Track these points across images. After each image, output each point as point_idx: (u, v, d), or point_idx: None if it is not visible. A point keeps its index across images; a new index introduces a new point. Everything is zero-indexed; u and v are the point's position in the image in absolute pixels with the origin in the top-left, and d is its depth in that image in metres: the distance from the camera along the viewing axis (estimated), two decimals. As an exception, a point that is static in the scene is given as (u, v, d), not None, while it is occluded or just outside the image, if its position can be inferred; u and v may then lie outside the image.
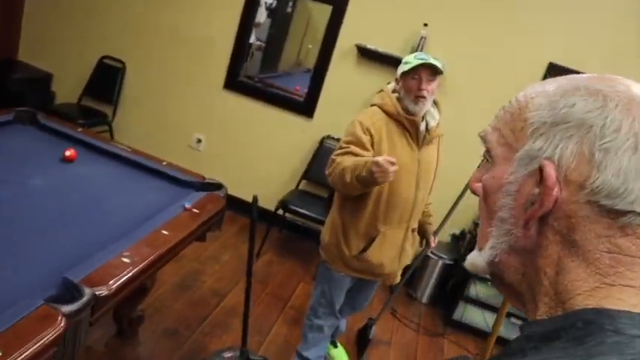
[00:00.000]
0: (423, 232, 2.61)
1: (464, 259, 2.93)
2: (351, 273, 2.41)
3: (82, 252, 1.61)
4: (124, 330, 2.56)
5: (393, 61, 3.65)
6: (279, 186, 4.07)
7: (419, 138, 2.27)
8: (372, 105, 2.34)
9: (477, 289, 3.51)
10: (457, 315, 3.61)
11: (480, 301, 3.54)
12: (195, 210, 2.18)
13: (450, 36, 3.65)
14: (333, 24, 3.82)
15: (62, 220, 1.87)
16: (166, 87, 4.20)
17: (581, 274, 0.56)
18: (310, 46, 4.21)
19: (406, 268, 2.60)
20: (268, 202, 4.14)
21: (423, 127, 2.26)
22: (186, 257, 3.21)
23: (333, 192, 3.74)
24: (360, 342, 3.07)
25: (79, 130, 2.72)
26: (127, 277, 1.57)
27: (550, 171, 0.58)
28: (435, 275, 3.81)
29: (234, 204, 3.28)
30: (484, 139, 0.68)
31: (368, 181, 2.01)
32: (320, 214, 3.64)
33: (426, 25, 3.60)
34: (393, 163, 1.93)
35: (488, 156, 0.67)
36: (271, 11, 4.26)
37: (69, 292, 1.37)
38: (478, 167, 0.70)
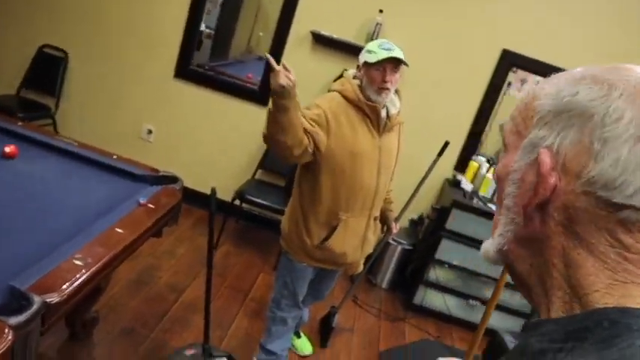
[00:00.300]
0: (384, 219, 2.60)
1: (423, 244, 2.98)
2: (314, 263, 2.37)
3: (30, 256, 1.50)
4: (78, 333, 2.44)
5: (348, 48, 3.62)
6: (235, 176, 3.98)
7: (380, 125, 2.24)
8: (332, 90, 2.30)
9: (436, 273, 3.55)
10: (417, 299, 3.65)
11: (440, 285, 3.59)
12: (150, 205, 2.09)
13: (405, 23, 3.64)
14: (287, 10, 3.74)
15: (5, 222, 1.74)
16: (113, 77, 4.02)
17: (590, 268, 0.55)
18: (261, 33, 4.11)
19: (369, 257, 2.58)
20: (224, 193, 4.05)
21: (383, 114, 2.23)
22: (141, 253, 3.09)
23: (292, 180, 3.70)
24: (324, 330, 3.05)
25: (20, 124, 2.56)
26: (80, 280, 1.47)
27: (545, 158, 0.56)
28: (394, 260, 3.83)
29: (189, 196, 3.18)
30: (502, 128, 0.67)
31: (275, 92, 1.88)
32: (277, 203, 3.60)
33: (381, 11, 3.57)
34: (286, 69, 1.86)
35: (503, 145, 0.66)
36: (221, -3, 4.13)
37: (16, 301, 1.27)
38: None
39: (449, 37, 3.64)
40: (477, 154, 3.86)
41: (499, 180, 0.65)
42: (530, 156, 0.59)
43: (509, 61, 3.63)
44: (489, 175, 3.69)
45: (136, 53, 3.94)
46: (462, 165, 3.85)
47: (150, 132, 4.02)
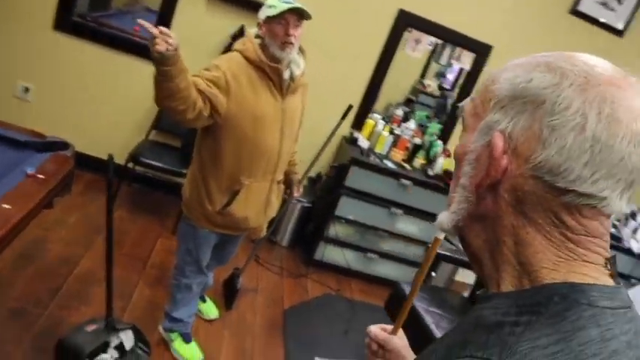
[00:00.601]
0: (288, 182, 2.61)
1: (322, 202, 3.06)
2: (216, 229, 2.33)
3: None
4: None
5: (246, 3, 3.49)
6: (126, 137, 3.75)
7: (282, 87, 2.20)
8: (233, 50, 2.21)
9: (336, 229, 3.66)
10: (318, 255, 3.74)
11: (340, 240, 3.71)
12: (40, 175, 1.91)
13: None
14: (177, -41, 3.49)
15: None
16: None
17: (538, 246, 0.59)
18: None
19: (272, 220, 2.59)
20: (116, 156, 3.82)
21: (287, 75, 2.19)
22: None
23: (188, 141, 3.57)
24: (228, 293, 3.04)
25: None
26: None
27: (498, 142, 0.60)
28: (293, 218, 3.89)
29: (77, 160, 2.95)
30: (462, 108, 0.69)
31: (155, 60, 1.79)
32: (173, 164, 3.47)
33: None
34: (163, 33, 1.75)
35: (462, 125, 0.68)
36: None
37: None
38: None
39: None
40: (373, 112, 3.96)
41: (457, 159, 0.68)
42: (485, 138, 0.62)
43: (405, 22, 3.71)
44: (385, 133, 3.82)
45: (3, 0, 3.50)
46: (358, 123, 3.93)
47: (27, 90, 3.63)
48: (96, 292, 2.65)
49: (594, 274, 0.58)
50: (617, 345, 0.55)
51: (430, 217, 3.74)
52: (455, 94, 4.25)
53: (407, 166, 3.77)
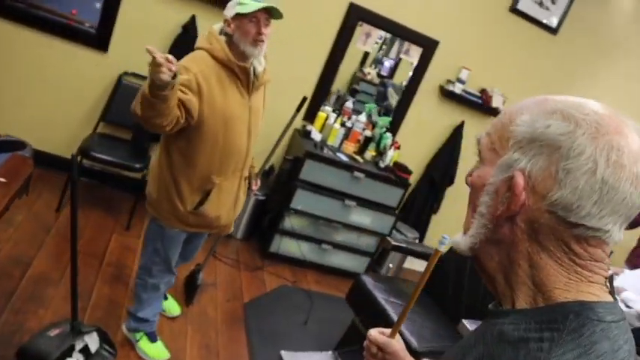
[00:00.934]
0: (248, 176, 2.61)
1: (277, 194, 3.14)
2: (187, 228, 2.32)
3: None
4: None
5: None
6: (73, 130, 3.61)
7: (249, 85, 2.21)
8: (199, 48, 2.19)
9: (291, 222, 3.70)
10: (273, 247, 3.77)
11: (295, 232, 3.75)
12: (1, 179, 1.83)
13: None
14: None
15: None
16: None
17: (550, 270, 0.69)
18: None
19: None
20: (61, 149, 3.68)
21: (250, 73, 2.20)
22: (-31, 224, 2.71)
23: (139, 133, 3.48)
24: (188, 289, 3.02)
25: None
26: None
27: (519, 180, 0.68)
28: (248, 211, 3.88)
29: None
30: (479, 141, 0.76)
31: (152, 83, 1.77)
32: (124, 158, 3.38)
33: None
34: (169, 61, 1.74)
35: (479, 157, 0.76)
36: None
37: None
38: (476, 164, 0.78)
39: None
40: (325, 105, 4.01)
41: (474, 187, 0.76)
42: (504, 174, 0.70)
43: (356, 16, 3.77)
44: (337, 125, 3.88)
45: None
46: (310, 115, 3.97)
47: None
48: (52, 294, 2.57)
49: (598, 292, 0.69)
50: (623, 354, 0.66)
51: (382, 208, 3.85)
52: (393, 81, 4.36)
53: (359, 158, 3.86)
